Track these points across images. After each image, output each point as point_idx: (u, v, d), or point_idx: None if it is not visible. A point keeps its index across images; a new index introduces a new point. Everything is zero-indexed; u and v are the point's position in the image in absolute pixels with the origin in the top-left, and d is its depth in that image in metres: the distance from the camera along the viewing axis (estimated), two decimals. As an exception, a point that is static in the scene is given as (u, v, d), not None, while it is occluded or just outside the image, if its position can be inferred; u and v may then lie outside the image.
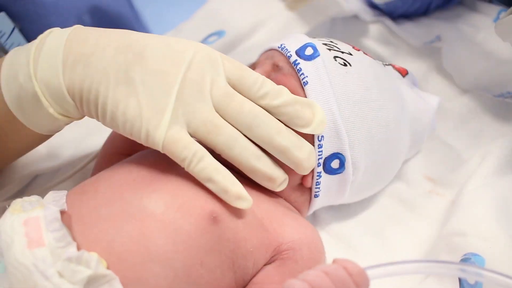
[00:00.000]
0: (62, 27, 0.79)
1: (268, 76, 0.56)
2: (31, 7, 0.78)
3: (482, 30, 0.84)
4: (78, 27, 0.51)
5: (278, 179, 0.51)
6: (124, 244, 0.44)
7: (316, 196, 0.57)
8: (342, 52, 0.59)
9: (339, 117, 0.54)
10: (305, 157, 0.50)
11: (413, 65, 0.84)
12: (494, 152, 0.65)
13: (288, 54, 0.57)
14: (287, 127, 0.50)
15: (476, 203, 0.57)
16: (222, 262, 0.48)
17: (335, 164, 0.55)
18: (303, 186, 0.56)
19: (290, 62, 0.57)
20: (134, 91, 0.47)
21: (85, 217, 0.46)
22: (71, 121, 0.53)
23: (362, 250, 0.60)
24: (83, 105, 0.49)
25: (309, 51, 0.57)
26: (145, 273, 0.44)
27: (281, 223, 0.52)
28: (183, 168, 0.49)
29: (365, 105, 0.56)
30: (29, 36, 0.78)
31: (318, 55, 0.56)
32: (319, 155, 0.54)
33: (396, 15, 0.91)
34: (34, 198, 0.47)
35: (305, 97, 0.54)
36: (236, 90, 0.50)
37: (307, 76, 0.55)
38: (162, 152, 0.48)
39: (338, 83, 0.55)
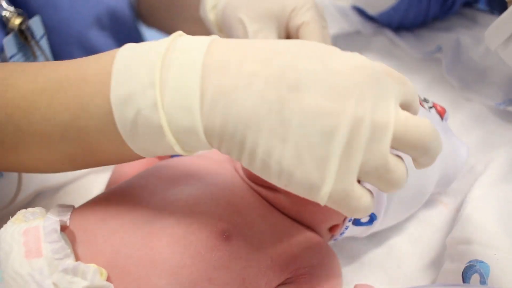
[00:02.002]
0: (79, 25, 0.75)
1: None
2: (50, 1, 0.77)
3: (483, 41, 0.83)
4: (214, 40, 0.40)
5: None
6: (129, 256, 0.43)
7: (335, 239, 0.56)
8: None
9: None
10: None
11: (416, 76, 0.82)
12: (498, 160, 0.63)
13: None
14: None
15: (480, 211, 0.54)
16: (232, 280, 0.45)
17: (365, 219, 0.53)
18: (328, 231, 0.54)
19: None
20: (291, 137, 0.36)
21: (93, 228, 0.45)
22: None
23: (367, 260, 0.58)
24: (221, 147, 0.39)
25: None
26: (150, 286, 0.42)
27: (302, 246, 0.49)
28: (199, 183, 0.47)
29: (411, 173, 0.48)
30: (52, 38, 0.78)
31: None
32: None
33: (394, 27, 0.90)
34: (38, 209, 0.45)
35: None
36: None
37: None
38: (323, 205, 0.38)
39: None
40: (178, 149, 0.39)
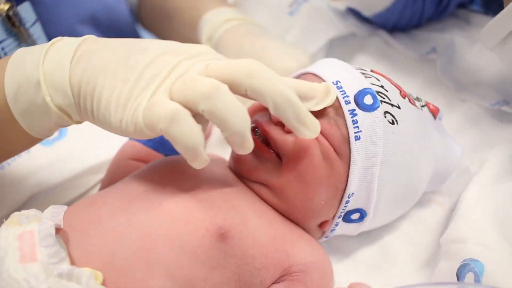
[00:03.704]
0: (73, 20, 0.79)
1: None
2: None
3: (477, 42, 0.82)
4: (87, 38, 0.49)
5: None
6: (125, 258, 0.42)
7: (327, 237, 0.56)
8: (392, 105, 0.52)
9: (376, 179, 0.51)
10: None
11: (411, 77, 0.82)
12: (492, 160, 0.63)
13: (346, 100, 0.50)
14: None
15: (475, 210, 0.54)
16: (228, 279, 0.45)
17: (355, 216, 0.53)
18: (319, 227, 0.54)
19: (341, 108, 0.50)
20: (131, 78, 0.44)
21: (88, 228, 0.44)
22: (64, 125, 0.50)
23: (362, 259, 0.58)
24: (80, 99, 0.46)
25: (368, 100, 0.50)
26: None
27: (294, 244, 0.50)
28: (194, 182, 0.47)
29: (401, 170, 0.52)
30: (47, 28, 0.78)
31: (378, 106, 0.50)
32: (343, 209, 0.52)
33: (389, 28, 0.90)
34: (32, 212, 0.45)
35: (349, 153, 0.50)
36: None
37: (361, 131, 0.49)
38: (143, 130, 0.44)
39: (386, 144, 0.50)
40: (49, 101, 0.46)
